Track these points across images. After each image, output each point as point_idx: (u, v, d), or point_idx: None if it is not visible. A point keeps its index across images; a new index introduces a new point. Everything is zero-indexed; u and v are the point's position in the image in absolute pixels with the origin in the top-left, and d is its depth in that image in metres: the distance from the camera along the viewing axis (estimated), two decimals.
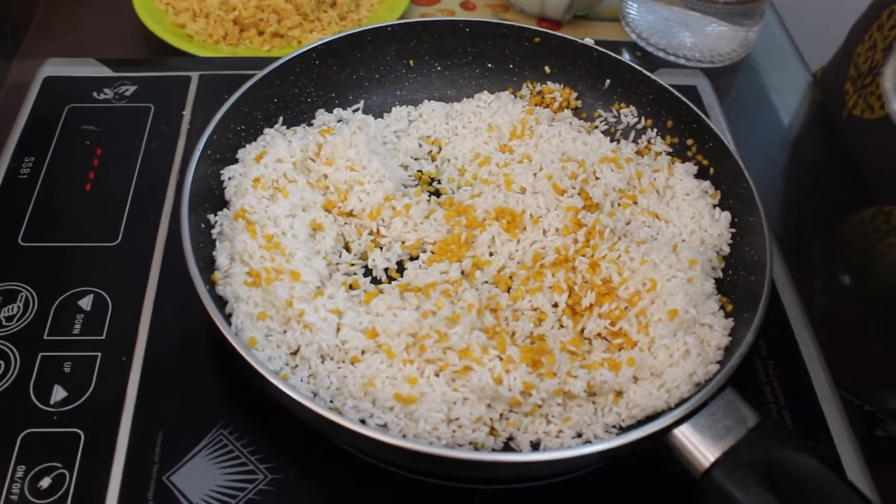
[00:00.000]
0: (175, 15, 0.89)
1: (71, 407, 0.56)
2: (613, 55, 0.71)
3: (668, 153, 0.70)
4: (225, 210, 0.62)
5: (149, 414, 0.56)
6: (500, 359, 0.54)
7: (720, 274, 0.63)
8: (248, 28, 0.88)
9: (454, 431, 0.53)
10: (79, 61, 0.77)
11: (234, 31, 0.87)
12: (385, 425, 0.53)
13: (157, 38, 0.84)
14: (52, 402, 0.56)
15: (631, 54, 0.93)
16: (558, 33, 0.72)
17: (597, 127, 0.73)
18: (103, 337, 0.60)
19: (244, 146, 0.66)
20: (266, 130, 0.67)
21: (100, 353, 0.59)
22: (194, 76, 0.76)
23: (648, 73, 0.70)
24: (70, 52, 0.83)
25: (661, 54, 0.92)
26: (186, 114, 0.73)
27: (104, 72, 0.76)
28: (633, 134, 0.72)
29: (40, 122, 0.72)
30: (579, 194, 0.64)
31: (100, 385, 0.58)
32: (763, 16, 0.91)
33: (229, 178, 0.64)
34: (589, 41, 0.72)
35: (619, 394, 0.56)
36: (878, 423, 0.64)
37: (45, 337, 0.60)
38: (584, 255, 0.61)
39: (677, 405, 0.53)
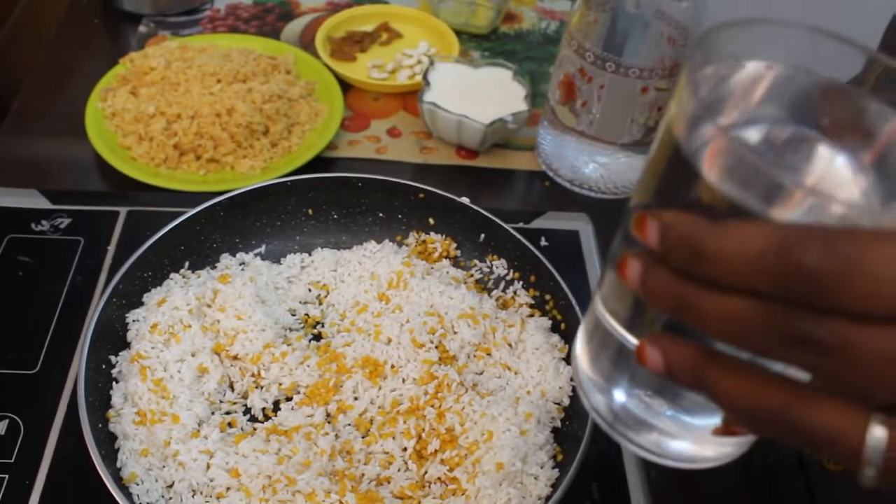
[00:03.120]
0: (123, 137, 0.98)
1: None
2: (485, 213, 0.80)
3: (530, 305, 0.78)
4: (126, 351, 0.72)
5: None
6: (340, 503, 0.63)
7: (559, 423, 0.71)
8: (186, 153, 0.97)
9: None
10: (22, 192, 0.87)
11: (174, 156, 0.97)
12: None
13: (106, 163, 0.94)
14: None
15: (540, 184, 1.02)
16: (439, 191, 0.81)
17: (472, 275, 0.81)
18: (12, 460, 0.69)
19: (150, 290, 0.75)
20: (172, 275, 0.77)
21: (7, 476, 0.68)
22: (122, 212, 0.85)
23: (514, 232, 0.78)
24: (25, 169, 0.95)
25: (567, 185, 1.01)
26: (111, 249, 0.83)
27: (44, 203, 0.86)
28: (502, 284, 0.80)
29: None
30: (437, 347, 0.73)
31: None
32: None
33: (133, 321, 0.73)
34: (465, 200, 0.81)
35: None
36: None
37: None
38: (432, 406, 0.69)
39: None
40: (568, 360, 0.74)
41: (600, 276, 0.45)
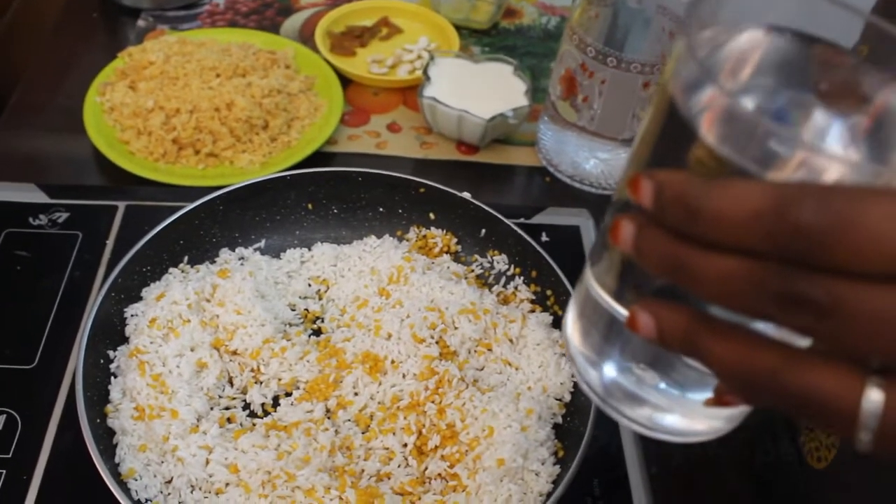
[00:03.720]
0: (121, 132, 0.98)
1: None
2: (486, 208, 0.79)
3: (531, 300, 0.78)
4: (124, 346, 0.71)
5: None
6: (340, 498, 0.63)
7: (560, 420, 0.71)
8: (185, 147, 0.96)
9: None
10: (20, 186, 0.86)
11: (172, 150, 0.96)
12: None
13: (105, 158, 0.93)
14: None
15: (541, 179, 1.01)
16: (439, 185, 0.80)
17: (473, 270, 0.81)
18: (9, 455, 0.68)
19: (149, 285, 0.75)
20: (170, 270, 0.76)
21: (4, 471, 0.67)
22: (121, 206, 0.85)
23: (516, 228, 0.78)
24: (22, 163, 0.94)
25: (567, 180, 1.00)
26: (109, 243, 0.82)
27: (41, 198, 0.85)
28: (503, 279, 0.80)
29: None
30: (437, 343, 0.72)
31: (1, 501, 0.66)
32: None
33: (132, 316, 0.72)
34: (466, 195, 0.80)
35: None
36: None
37: None
38: (433, 402, 0.69)
39: None
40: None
41: (591, 249, 0.44)
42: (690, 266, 0.33)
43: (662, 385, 0.41)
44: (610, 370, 0.43)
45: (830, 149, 0.35)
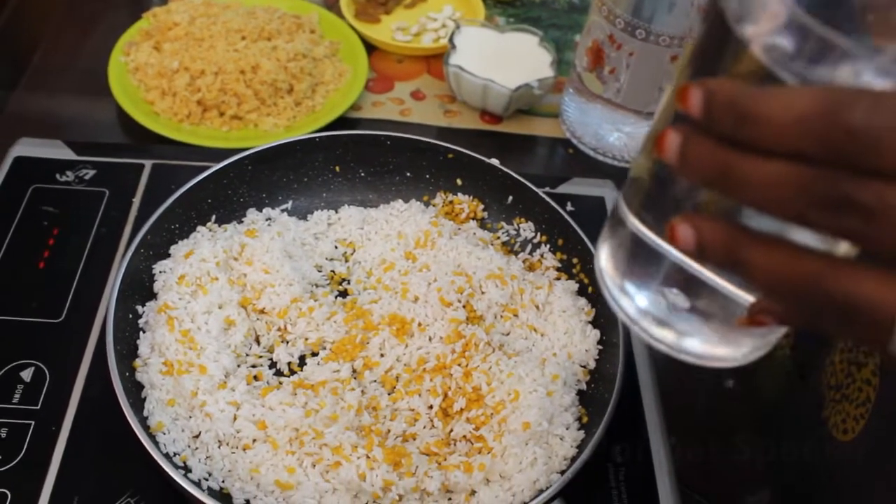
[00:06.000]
0: (146, 92, 0.98)
1: (2, 469, 0.65)
2: (515, 175, 0.79)
3: (557, 268, 0.78)
4: (152, 302, 0.71)
5: (68, 480, 0.65)
6: (367, 457, 0.63)
7: (584, 386, 0.71)
8: (210, 109, 0.96)
9: None
10: (47, 142, 0.86)
11: (197, 111, 0.96)
12: None
13: (128, 116, 0.93)
14: None
15: (564, 151, 1.01)
16: (468, 151, 0.80)
17: (499, 237, 0.81)
18: (38, 407, 0.69)
19: (177, 242, 0.75)
20: (199, 228, 0.76)
21: (33, 422, 0.68)
22: (147, 164, 0.85)
23: (543, 195, 0.78)
24: (46, 122, 0.94)
25: (591, 153, 1.00)
26: (136, 201, 0.82)
27: (68, 154, 0.85)
28: (529, 247, 0.80)
29: (6, 202, 0.81)
30: (464, 307, 0.72)
31: (30, 451, 0.66)
32: None
33: (160, 272, 0.73)
34: (494, 161, 0.80)
35: (472, 493, 0.64)
36: None
37: None
38: (459, 365, 0.69)
39: None
40: (595, 323, 0.74)
41: (625, 183, 0.44)
42: (737, 172, 0.33)
43: (691, 309, 0.42)
44: (640, 294, 0.44)
45: (884, 59, 0.36)
